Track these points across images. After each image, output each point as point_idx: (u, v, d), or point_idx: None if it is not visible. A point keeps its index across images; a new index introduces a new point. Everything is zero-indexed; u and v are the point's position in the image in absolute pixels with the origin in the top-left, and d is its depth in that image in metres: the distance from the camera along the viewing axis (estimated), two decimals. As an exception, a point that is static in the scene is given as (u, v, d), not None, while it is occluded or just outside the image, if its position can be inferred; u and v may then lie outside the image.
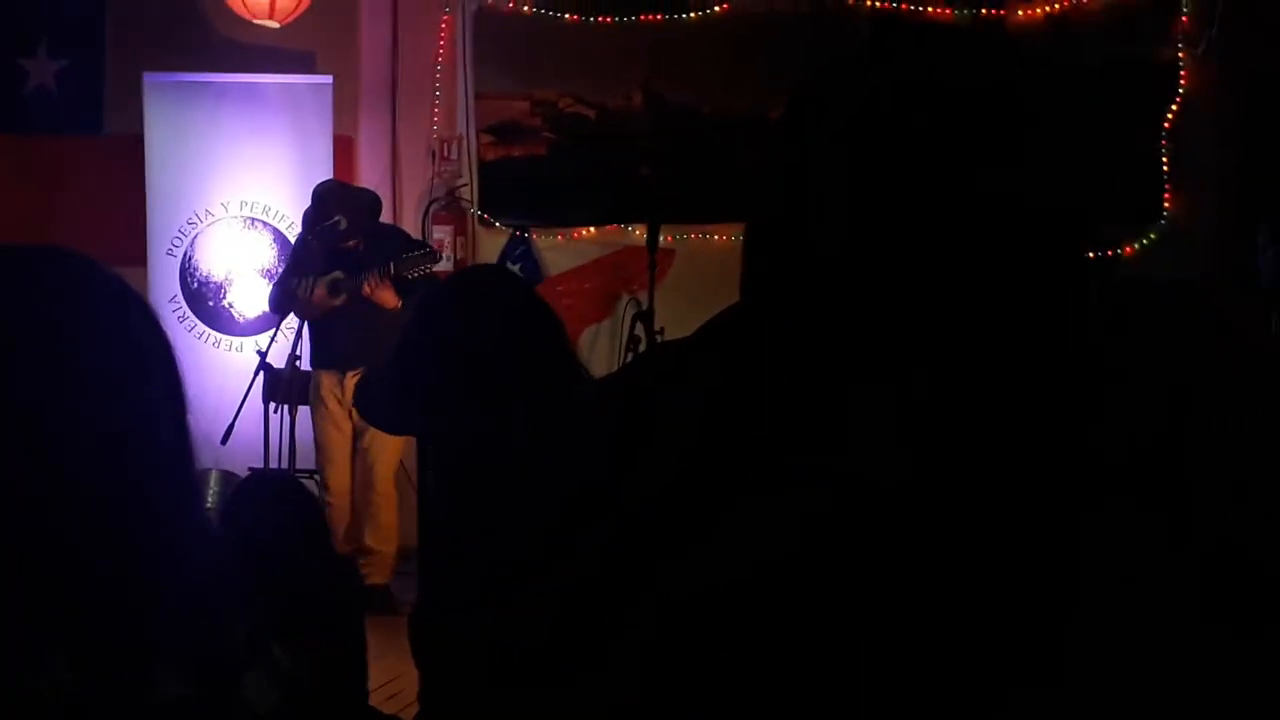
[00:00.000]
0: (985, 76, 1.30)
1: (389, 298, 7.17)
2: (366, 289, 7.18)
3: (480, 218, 8.99)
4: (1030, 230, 1.29)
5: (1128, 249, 8.66)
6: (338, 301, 7.30)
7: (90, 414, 1.32)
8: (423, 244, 7.80)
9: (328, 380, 7.45)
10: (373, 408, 4.38)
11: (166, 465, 1.37)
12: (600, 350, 8.63)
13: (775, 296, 1.31)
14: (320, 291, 7.28)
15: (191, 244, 8.40)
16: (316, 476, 7.55)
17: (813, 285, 1.27)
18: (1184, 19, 8.50)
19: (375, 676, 3.69)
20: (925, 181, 1.26)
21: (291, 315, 7.48)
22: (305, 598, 3.22)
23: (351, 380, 7.21)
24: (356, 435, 7.49)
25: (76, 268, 1.41)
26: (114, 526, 1.32)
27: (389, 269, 7.15)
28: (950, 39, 1.34)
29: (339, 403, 7.42)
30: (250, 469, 7.36)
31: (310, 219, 7.42)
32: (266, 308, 7.78)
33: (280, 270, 7.98)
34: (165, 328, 1.43)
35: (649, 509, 1.26)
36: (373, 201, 7.66)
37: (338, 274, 7.30)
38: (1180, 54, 8.53)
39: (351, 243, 7.31)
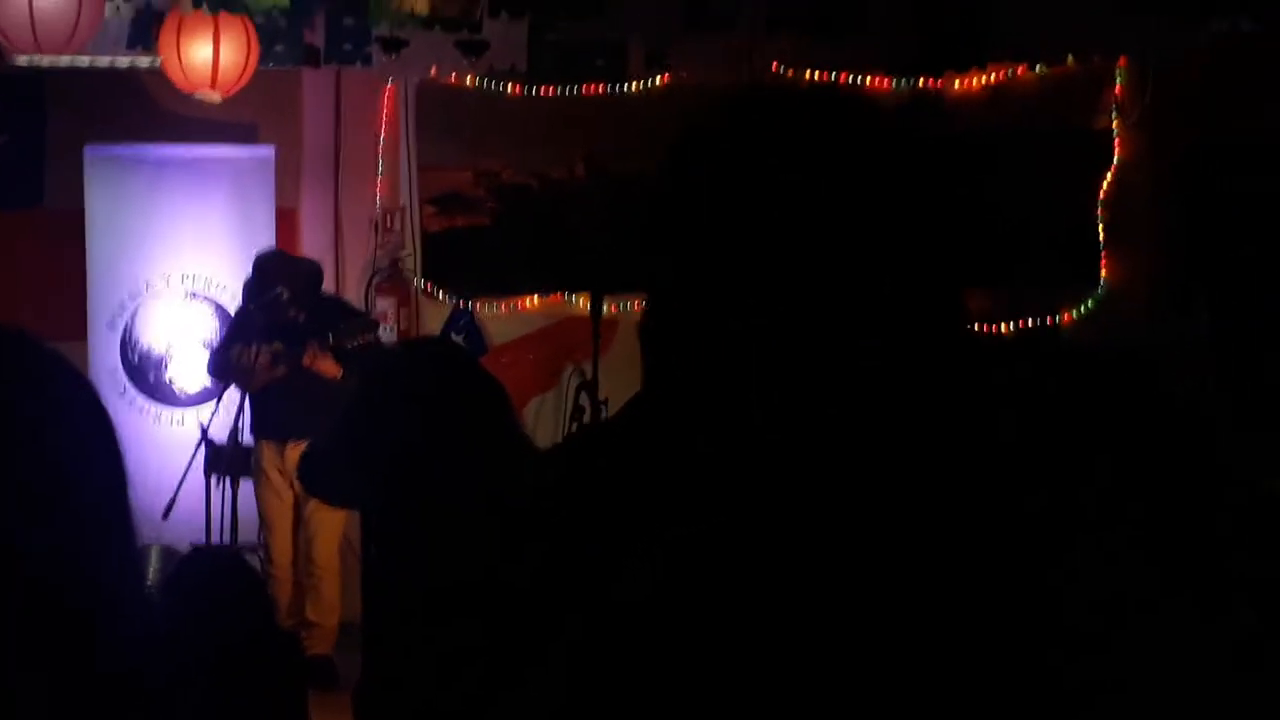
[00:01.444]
0: (846, 143, 1.32)
1: (330, 367, 7.16)
2: (307, 359, 7.17)
3: (423, 289, 8.99)
4: (894, 294, 1.30)
5: (1066, 315, 8.75)
6: (278, 372, 7.28)
7: (28, 489, 1.31)
8: (362, 313, 7.80)
9: (269, 451, 7.42)
10: (316, 480, 4.36)
11: (107, 541, 1.36)
12: (545, 420, 8.63)
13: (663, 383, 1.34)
14: (263, 359, 7.25)
15: (132, 317, 8.35)
16: (260, 551, 7.50)
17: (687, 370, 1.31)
18: (1118, 89, 8.64)
19: (318, 752, 3.65)
20: (783, 252, 1.28)
21: (233, 388, 7.45)
22: (246, 674, 3.19)
23: (293, 451, 7.18)
24: (299, 506, 7.46)
25: (11, 344, 1.40)
26: (51, 601, 1.31)
27: (329, 339, 7.15)
28: (811, 107, 1.36)
29: (280, 473, 7.39)
30: (192, 544, 7.30)
31: (252, 290, 7.41)
32: (206, 373, 7.75)
33: (220, 338, 7.95)
34: (105, 403, 1.42)
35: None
36: (314, 271, 7.66)
37: (278, 345, 7.28)
38: (1115, 123, 8.66)
39: (292, 313, 7.30)
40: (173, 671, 1.39)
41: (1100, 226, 8.68)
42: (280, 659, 3.66)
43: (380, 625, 3.79)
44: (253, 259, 7.51)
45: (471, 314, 8.88)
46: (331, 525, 7.45)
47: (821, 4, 8.37)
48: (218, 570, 3.71)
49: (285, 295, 7.27)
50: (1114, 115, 8.65)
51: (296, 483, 6.98)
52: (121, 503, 1.39)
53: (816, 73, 8.81)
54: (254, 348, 7.24)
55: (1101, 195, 8.68)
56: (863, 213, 1.31)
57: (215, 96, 7.27)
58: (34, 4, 6.53)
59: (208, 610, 3.04)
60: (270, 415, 7.39)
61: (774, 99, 1.39)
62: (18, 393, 1.36)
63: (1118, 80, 8.64)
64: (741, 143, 1.33)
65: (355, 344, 7.09)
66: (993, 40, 8.43)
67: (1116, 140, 8.67)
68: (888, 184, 1.32)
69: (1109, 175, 8.67)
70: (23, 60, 7.36)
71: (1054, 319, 8.72)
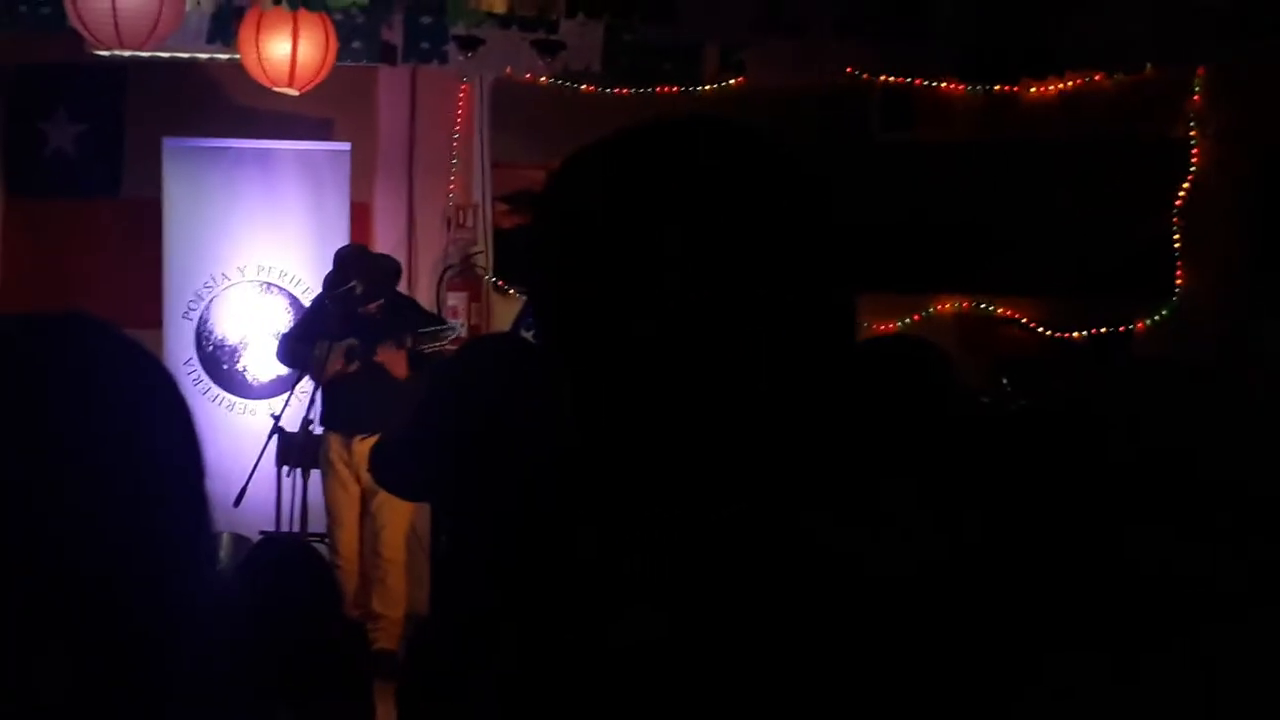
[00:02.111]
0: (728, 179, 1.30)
1: (400, 368, 7.21)
2: (380, 355, 7.23)
3: (495, 284, 9.03)
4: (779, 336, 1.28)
5: (1139, 325, 8.67)
6: (351, 369, 7.34)
7: (107, 475, 1.34)
8: (440, 319, 7.85)
9: (335, 443, 7.48)
10: (388, 474, 4.40)
11: (182, 527, 1.38)
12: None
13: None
14: (336, 359, 7.33)
15: (207, 307, 8.44)
16: (327, 540, 7.56)
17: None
18: (1195, 98, 8.56)
19: (382, 743, 3.68)
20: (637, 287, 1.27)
21: (305, 379, 7.53)
22: (314, 662, 3.23)
23: (359, 444, 7.24)
24: (366, 498, 7.51)
25: (95, 333, 1.43)
26: (126, 587, 1.34)
27: (406, 341, 7.20)
28: (697, 130, 1.34)
29: (346, 465, 7.45)
30: (262, 532, 7.37)
31: (329, 282, 7.49)
32: (276, 359, 7.82)
33: (291, 326, 8.02)
34: (183, 392, 1.45)
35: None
36: (393, 268, 7.72)
37: (353, 341, 7.35)
38: (1192, 132, 8.58)
39: (371, 307, 7.37)
40: (244, 654, 1.42)
41: (1176, 236, 8.60)
42: (347, 644, 3.69)
43: (447, 618, 3.82)
44: (328, 253, 7.58)
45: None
46: (398, 517, 7.50)
47: (893, 8, 8.34)
48: (288, 557, 3.75)
49: (359, 289, 7.33)
50: (1191, 124, 8.56)
51: (363, 475, 7.04)
52: (198, 490, 1.42)
53: (889, 76, 8.78)
54: (327, 345, 7.30)
55: (1178, 204, 8.59)
56: (735, 229, 1.28)
57: (293, 92, 7.35)
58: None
59: (278, 595, 3.08)
60: (340, 407, 7.45)
61: (662, 124, 1.37)
62: (99, 380, 1.39)
63: (1195, 89, 8.55)
64: (622, 165, 1.32)
65: (432, 349, 7.15)
66: (1069, 47, 8.37)
67: (1194, 149, 8.59)
68: (758, 202, 1.29)
69: (1185, 184, 8.59)
70: (104, 52, 7.46)
71: (1127, 328, 8.65)
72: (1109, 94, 8.62)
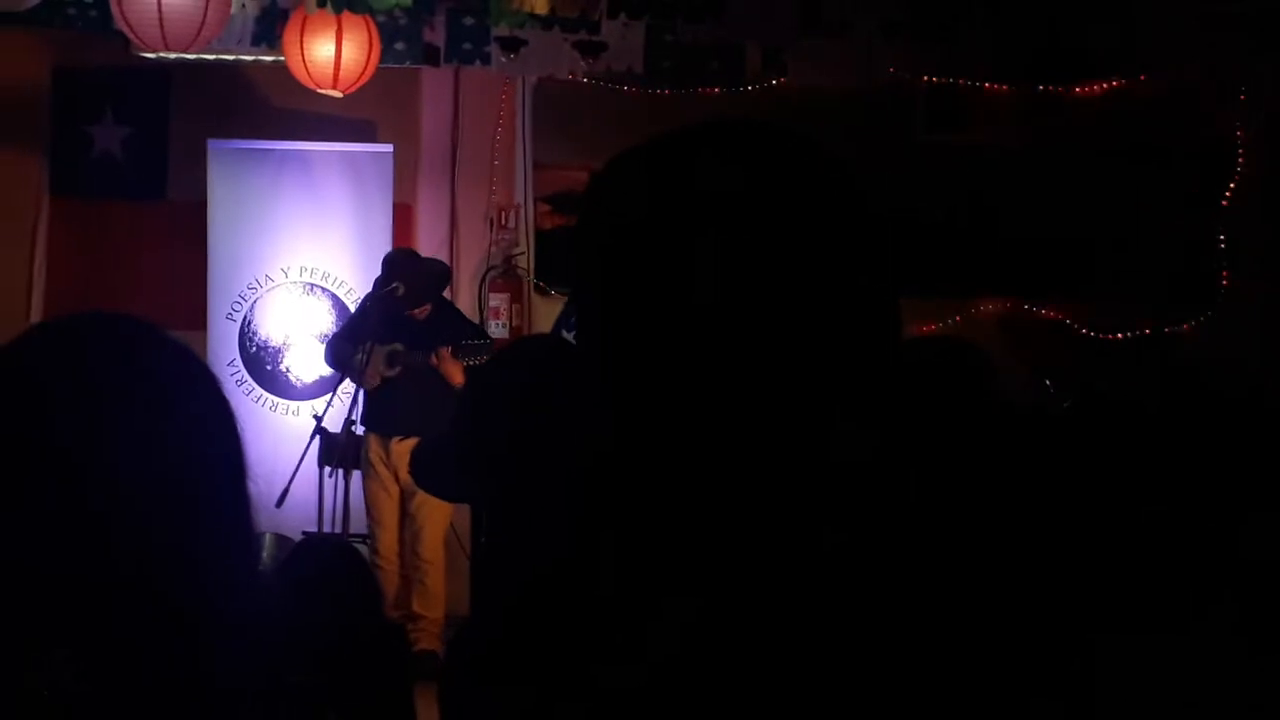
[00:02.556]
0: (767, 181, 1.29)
1: (458, 376, 7.21)
2: (434, 361, 7.25)
3: (536, 285, 9.05)
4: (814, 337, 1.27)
5: (1185, 327, 8.62)
6: (392, 374, 7.37)
7: (151, 475, 1.34)
8: (482, 331, 7.87)
9: (375, 444, 7.51)
10: (428, 475, 4.40)
11: (225, 527, 1.39)
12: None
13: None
14: (378, 365, 7.35)
15: (251, 309, 8.49)
16: (368, 541, 7.59)
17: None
18: (1241, 99, 8.50)
19: (423, 743, 3.68)
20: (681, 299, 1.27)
21: (347, 380, 7.55)
22: (355, 661, 3.24)
23: (398, 445, 7.26)
24: (405, 499, 7.54)
25: (140, 335, 1.43)
26: (170, 585, 1.34)
27: (449, 351, 7.22)
28: (738, 143, 1.34)
29: (386, 466, 7.47)
30: (305, 533, 7.40)
31: (376, 285, 7.52)
32: (324, 361, 7.86)
33: (339, 326, 8.06)
34: (226, 393, 1.46)
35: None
36: (437, 272, 7.73)
37: (397, 346, 7.37)
38: (1239, 133, 8.52)
39: (420, 310, 7.39)
40: (284, 652, 1.42)
41: (1221, 237, 8.54)
42: (388, 644, 3.70)
43: (487, 616, 3.82)
44: (370, 256, 7.61)
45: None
46: (438, 519, 7.52)
47: (937, 8, 8.31)
48: (330, 556, 3.76)
49: (400, 291, 7.34)
50: (1238, 125, 8.50)
51: (403, 475, 7.06)
52: (241, 490, 1.43)
53: (933, 78, 8.75)
54: (369, 347, 7.32)
55: (1224, 206, 8.54)
56: (786, 237, 1.28)
57: (336, 93, 7.38)
58: (162, 1, 6.65)
59: (320, 594, 3.09)
60: (381, 409, 7.48)
61: (705, 127, 1.37)
62: (144, 381, 1.39)
63: (1241, 90, 8.49)
64: (664, 168, 1.32)
65: (472, 361, 7.16)
66: (1114, 48, 8.33)
67: (1240, 151, 8.52)
68: (810, 210, 1.28)
69: (1232, 186, 8.53)
70: (149, 55, 7.50)
71: (1172, 329, 8.60)
72: (1154, 95, 8.57)
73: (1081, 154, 8.66)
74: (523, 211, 9.05)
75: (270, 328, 8.50)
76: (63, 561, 1.31)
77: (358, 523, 7.65)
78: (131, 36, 6.97)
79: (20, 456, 1.32)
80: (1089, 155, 8.64)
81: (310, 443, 7.52)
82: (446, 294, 8.14)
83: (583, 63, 8.36)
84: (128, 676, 1.31)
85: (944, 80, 8.81)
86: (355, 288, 8.07)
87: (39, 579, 1.31)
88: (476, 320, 8.45)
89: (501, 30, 8.16)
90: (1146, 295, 8.51)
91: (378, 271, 7.53)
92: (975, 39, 8.40)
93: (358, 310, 7.87)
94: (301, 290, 8.51)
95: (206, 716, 1.33)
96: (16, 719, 1.29)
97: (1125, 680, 1.27)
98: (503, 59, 8.31)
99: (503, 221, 9.02)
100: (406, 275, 7.41)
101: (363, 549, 7.36)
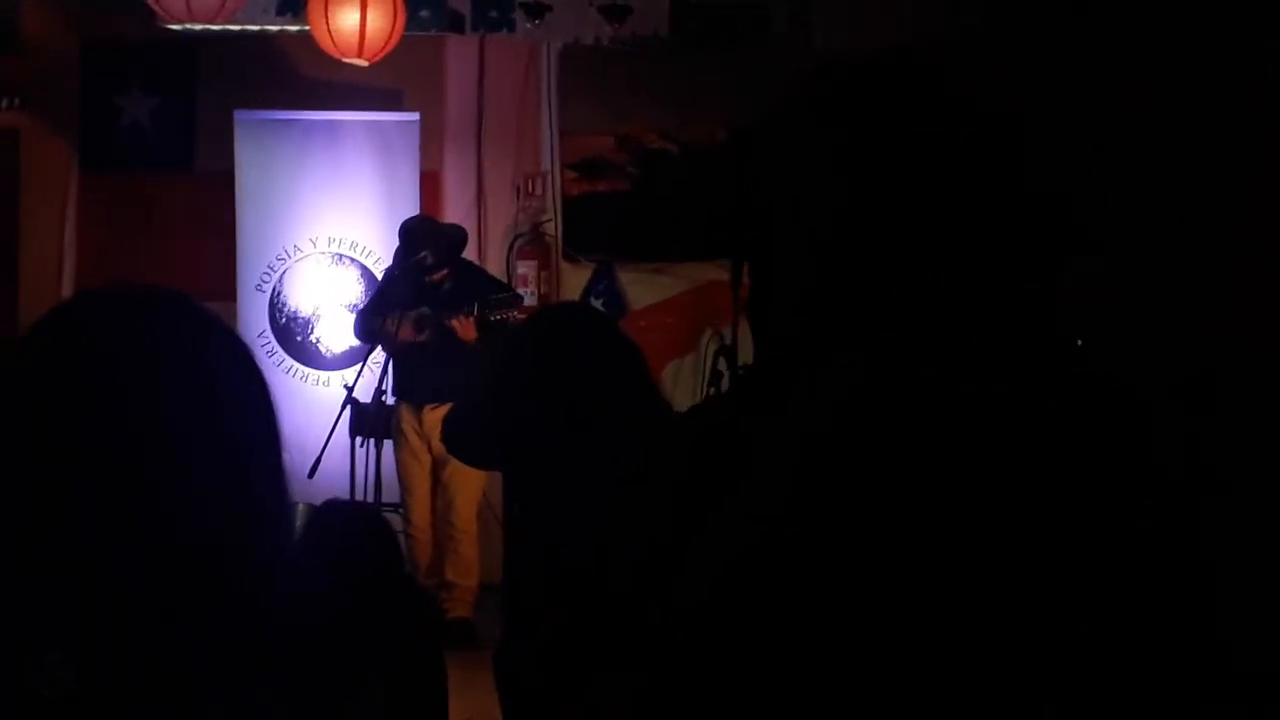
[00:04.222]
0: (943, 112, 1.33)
1: (469, 332, 7.22)
2: (456, 323, 7.26)
3: (564, 253, 9.03)
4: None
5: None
6: (422, 338, 7.37)
7: (188, 446, 1.35)
8: (507, 287, 7.87)
9: (407, 413, 7.52)
10: (459, 443, 4.41)
11: (262, 496, 1.39)
12: (683, 384, 8.64)
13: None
14: (407, 328, 7.36)
15: (280, 279, 8.50)
16: (401, 510, 7.61)
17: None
18: None
19: (457, 711, 3.70)
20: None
21: (378, 350, 7.56)
22: (378, 618, 3.25)
23: (429, 413, 7.27)
24: (437, 468, 7.55)
25: (174, 306, 1.44)
26: (209, 555, 1.35)
27: (474, 309, 7.21)
28: (897, 78, 1.37)
29: (418, 435, 7.49)
30: (330, 500, 7.42)
31: (398, 254, 7.52)
32: (354, 336, 7.87)
33: (365, 301, 8.07)
34: (259, 364, 1.46)
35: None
36: (460, 236, 7.74)
37: (424, 310, 7.37)
38: None
39: (439, 276, 7.39)
40: (319, 619, 1.43)
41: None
42: (413, 606, 3.71)
43: (521, 585, 3.83)
44: (399, 226, 7.60)
45: (612, 278, 8.90)
46: (471, 487, 7.53)
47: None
48: (348, 520, 3.77)
49: (429, 259, 7.35)
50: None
51: (435, 444, 7.07)
52: (276, 460, 1.43)
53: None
54: (398, 314, 7.33)
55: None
56: (941, 203, 1.31)
57: (362, 62, 7.36)
58: (187, -29, 6.66)
59: (337, 556, 3.09)
60: (411, 377, 7.48)
61: (860, 86, 1.39)
62: (178, 352, 1.40)
63: None
64: (822, 135, 1.34)
65: (499, 316, 7.16)
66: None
67: None
68: (964, 157, 1.32)
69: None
70: (175, 26, 7.50)
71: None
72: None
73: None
74: (549, 178, 9.03)
75: (300, 298, 8.51)
76: (103, 534, 1.32)
77: (390, 493, 7.67)
78: (157, 8, 6.98)
79: (71, 423, 1.33)
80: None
81: (341, 413, 7.53)
82: (477, 260, 8.14)
83: (608, 27, 8.33)
84: (171, 649, 1.32)
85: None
86: (383, 257, 8.07)
87: (85, 546, 1.32)
88: (505, 288, 8.45)
89: (526, -4, 8.13)
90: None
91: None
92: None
93: (382, 281, 7.87)
94: (330, 260, 8.52)
95: (249, 686, 1.34)
96: (26, 710, 1.30)
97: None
98: (528, 25, 8.28)
99: (530, 189, 9.00)
100: (429, 242, 7.41)
101: (395, 519, 7.37)
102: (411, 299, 7.37)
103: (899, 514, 1.22)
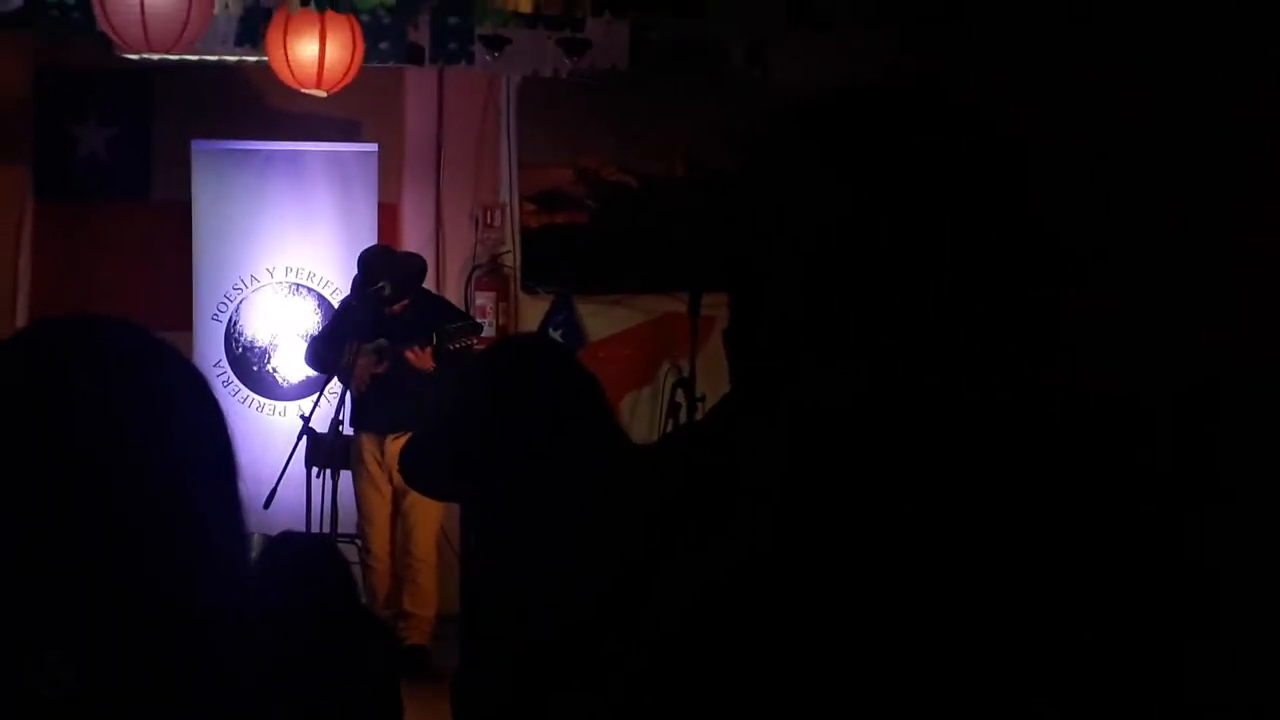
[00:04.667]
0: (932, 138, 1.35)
1: (425, 361, 7.22)
2: (412, 355, 7.25)
3: (523, 284, 9.04)
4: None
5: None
6: (380, 370, 7.35)
7: (141, 476, 1.34)
8: (466, 314, 7.86)
9: (368, 444, 7.49)
10: (417, 474, 4.40)
11: (220, 528, 1.39)
12: (641, 416, 8.65)
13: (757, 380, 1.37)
14: (365, 361, 7.34)
15: (237, 309, 8.47)
16: (358, 541, 7.58)
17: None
18: None
19: (415, 742, 3.69)
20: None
21: (334, 380, 7.54)
22: (330, 650, 3.24)
23: (392, 444, 7.25)
24: (397, 498, 7.53)
25: (128, 336, 1.43)
26: (161, 586, 1.34)
27: (431, 339, 7.21)
28: (894, 104, 1.39)
29: (379, 465, 7.47)
30: (286, 532, 7.38)
31: (356, 284, 7.50)
32: (305, 364, 7.84)
33: (320, 329, 8.04)
34: (215, 394, 1.45)
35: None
36: (419, 266, 7.73)
37: (382, 341, 7.36)
38: None
39: (398, 307, 7.38)
40: (274, 649, 1.42)
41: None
42: (369, 636, 3.70)
43: (478, 615, 3.83)
44: (358, 255, 7.60)
45: (570, 310, 8.91)
46: (430, 518, 7.52)
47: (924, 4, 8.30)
48: (303, 551, 3.76)
49: (387, 290, 7.34)
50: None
51: (395, 475, 7.05)
52: (232, 491, 1.42)
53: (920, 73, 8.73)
54: (355, 346, 7.31)
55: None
56: (943, 210, 1.32)
57: (320, 93, 7.36)
58: (145, 2, 6.64)
59: (293, 586, 3.08)
60: (370, 408, 7.46)
61: (859, 98, 1.41)
62: (133, 383, 1.39)
63: None
64: (822, 143, 1.35)
65: (458, 346, 7.15)
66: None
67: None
68: (968, 182, 1.33)
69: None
70: (132, 56, 7.48)
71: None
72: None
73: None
74: (508, 210, 9.04)
75: (256, 328, 8.49)
76: (55, 562, 1.31)
77: (346, 523, 7.64)
78: (114, 37, 6.95)
79: (26, 452, 1.32)
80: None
81: (297, 443, 7.50)
82: (436, 291, 8.14)
83: (567, 60, 8.35)
84: (123, 676, 1.31)
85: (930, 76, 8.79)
86: (341, 288, 8.06)
87: (38, 578, 1.31)
88: (463, 319, 8.44)
89: (485, 29, 8.14)
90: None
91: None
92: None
93: (338, 310, 7.85)
94: (287, 290, 8.50)
95: (201, 716, 1.33)
96: (15, 718, 1.29)
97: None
98: (487, 58, 8.29)
99: (488, 220, 9.01)
100: (389, 272, 7.40)
101: (351, 550, 7.34)
102: (369, 330, 7.36)
103: (901, 524, 1.23)
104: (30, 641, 1.29)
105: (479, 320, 8.22)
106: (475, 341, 7.22)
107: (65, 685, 1.28)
